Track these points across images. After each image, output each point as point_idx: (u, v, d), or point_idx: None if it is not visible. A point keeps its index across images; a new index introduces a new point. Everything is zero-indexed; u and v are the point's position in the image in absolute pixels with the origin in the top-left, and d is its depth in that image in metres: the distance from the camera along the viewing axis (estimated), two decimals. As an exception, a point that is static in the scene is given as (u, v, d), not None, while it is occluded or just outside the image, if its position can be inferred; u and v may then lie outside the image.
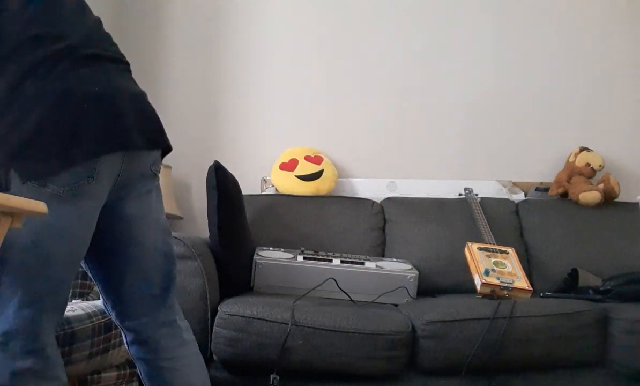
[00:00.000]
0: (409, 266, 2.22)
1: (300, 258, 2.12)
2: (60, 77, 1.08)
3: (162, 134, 1.26)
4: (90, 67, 1.13)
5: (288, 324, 1.73)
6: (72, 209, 1.08)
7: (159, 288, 1.26)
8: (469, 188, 2.69)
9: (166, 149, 1.29)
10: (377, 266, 2.13)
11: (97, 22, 1.26)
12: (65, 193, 1.06)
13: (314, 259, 2.11)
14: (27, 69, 1.06)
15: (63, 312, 1.15)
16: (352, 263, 2.13)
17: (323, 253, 2.20)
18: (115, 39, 1.29)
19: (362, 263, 2.13)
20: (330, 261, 2.11)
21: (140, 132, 1.17)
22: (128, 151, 1.15)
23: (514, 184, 2.87)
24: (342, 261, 2.12)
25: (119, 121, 1.13)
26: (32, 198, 0.97)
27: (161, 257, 1.26)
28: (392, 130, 2.92)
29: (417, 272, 2.18)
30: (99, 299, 1.73)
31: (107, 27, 1.30)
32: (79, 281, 1.71)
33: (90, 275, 1.27)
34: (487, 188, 2.79)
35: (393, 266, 2.19)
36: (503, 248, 2.27)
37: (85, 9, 1.24)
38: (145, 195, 1.23)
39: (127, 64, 1.26)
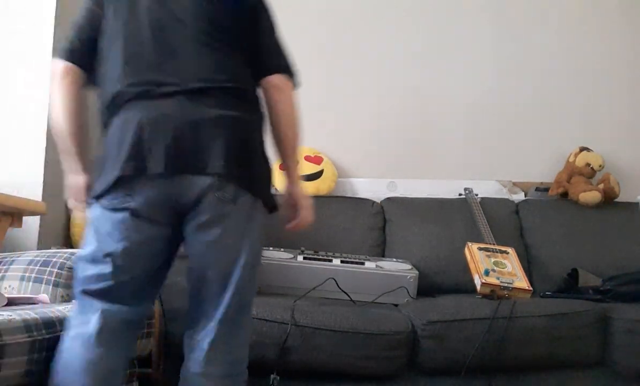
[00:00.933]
0: (409, 266, 2.22)
1: (300, 257, 2.12)
2: (126, 110, 1.25)
3: (202, 159, 1.23)
4: (157, 100, 1.25)
5: (288, 324, 1.73)
6: (114, 218, 1.24)
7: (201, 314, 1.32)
8: (469, 188, 2.69)
9: (222, 174, 1.24)
10: (377, 266, 2.13)
11: (200, 54, 1.30)
12: (109, 207, 1.25)
13: (314, 259, 2.11)
14: (115, 112, 1.27)
15: (130, 302, 1.28)
16: (352, 262, 2.12)
17: (323, 253, 2.20)
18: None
19: (362, 263, 2.12)
20: (330, 261, 2.11)
21: (171, 156, 1.22)
22: (165, 176, 1.22)
23: (514, 184, 2.87)
24: (342, 261, 2.11)
25: (145, 147, 1.22)
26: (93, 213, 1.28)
27: (219, 289, 1.29)
28: (392, 130, 2.92)
29: (417, 272, 2.17)
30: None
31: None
32: (79, 281, 1.71)
33: None
34: (487, 188, 2.80)
35: (393, 266, 2.19)
36: (503, 248, 2.27)
37: (183, 47, 1.30)
38: (207, 224, 1.25)
39: (216, 89, 1.28)
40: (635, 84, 2.93)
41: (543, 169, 2.88)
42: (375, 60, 2.95)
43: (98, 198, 1.26)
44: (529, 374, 1.87)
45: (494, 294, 2.02)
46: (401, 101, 2.94)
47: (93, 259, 1.26)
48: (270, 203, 1.38)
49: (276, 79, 1.42)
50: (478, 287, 2.07)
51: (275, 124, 1.45)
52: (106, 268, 1.24)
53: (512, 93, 2.94)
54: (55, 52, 1.49)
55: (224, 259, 1.28)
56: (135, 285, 1.29)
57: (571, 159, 2.76)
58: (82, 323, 1.24)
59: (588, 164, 2.70)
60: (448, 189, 2.77)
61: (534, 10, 2.98)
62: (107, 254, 1.24)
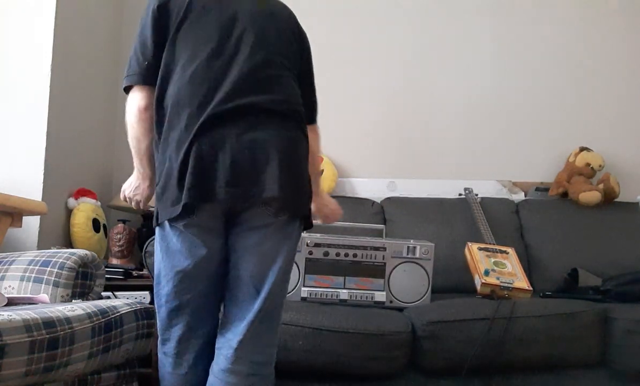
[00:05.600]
0: (424, 288, 2.02)
1: (306, 251, 1.95)
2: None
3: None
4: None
5: (288, 324, 1.73)
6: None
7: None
8: (469, 188, 2.69)
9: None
10: (390, 301, 1.98)
11: (250, 70, 1.33)
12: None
13: (321, 287, 1.95)
14: None
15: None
16: (360, 290, 1.97)
17: (333, 245, 1.97)
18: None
19: (372, 297, 1.96)
20: (338, 290, 1.95)
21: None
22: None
23: (514, 184, 2.87)
24: (350, 295, 1.96)
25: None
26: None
27: (253, 292, 1.34)
28: (392, 130, 2.92)
29: (428, 302, 2.02)
30: (99, 299, 1.73)
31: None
32: (79, 281, 1.71)
33: None
34: (487, 188, 2.80)
35: (408, 294, 2.00)
36: (503, 248, 2.27)
37: (239, 60, 1.34)
38: (249, 230, 1.33)
39: (271, 111, 1.32)
40: (635, 84, 2.93)
41: (543, 169, 2.88)
42: (375, 60, 2.95)
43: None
44: (529, 374, 1.86)
45: (494, 294, 2.02)
46: (401, 101, 2.94)
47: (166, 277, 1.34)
48: (307, 222, 1.43)
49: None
50: (478, 287, 2.07)
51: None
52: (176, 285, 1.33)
53: (512, 93, 2.94)
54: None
55: (260, 263, 1.32)
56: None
57: (571, 159, 2.76)
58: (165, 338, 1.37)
59: (588, 164, 2.70)
60: (448, 189, 2.77)
61: (533, 11, 2.98)
62: (179, 271, 1.32)
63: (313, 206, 1.59)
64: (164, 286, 1.34)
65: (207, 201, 1.27)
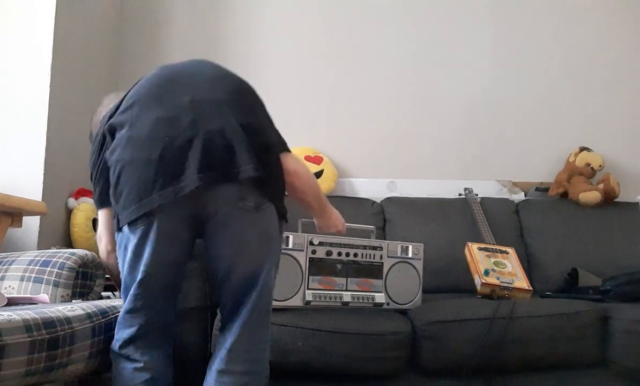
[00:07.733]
0: (417, 288, 2.03)
1: (309, 254, 1.88)
2: None
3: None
4: None
5: (287, 326, 1.73)
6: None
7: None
8: (469, 188, 2.69)
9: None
10: (387, 303, 1.96)
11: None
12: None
13: (325, 289, 1.89)
14: None
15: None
16: (362, 292, 1.93)
17: (335, 251, 1.91)
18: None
19: (373, 298, 1.93)
20: (342, 295, 1.90)
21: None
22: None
23: (514, 184, 2.87)
24: (352, 297, 1.91)
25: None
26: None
27: (244, 291, 1.33)
28: (392, 130, 2.92)
29: (420, 303, 2.01)
30: (99, 299, 1.73)
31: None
32: (79, 281, 1.71)
33: None
34: (487, 188, 2.80)
35: (403, 295, 1.99)
36: (503, 248, 2.27)
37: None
38: (234, 231, 1.30)
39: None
40: (635, 84, 2.94)
41: (543, 169, 2.88)
42: (376, 60, 2.95)
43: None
44: (529, 374, 1.86)
45: (494, 294, 2.02)
46: (401, 100, 2.94)
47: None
48: (283, 211, 1.41)
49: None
50: (478, 287, 2.07)
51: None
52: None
53: (512, 93, 2.94)
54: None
55: (250, 264, 1.32)
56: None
57: (571, 159, 2.76)
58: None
59: (588, 164, 2.70)
60: (448, 189, 2.77)
61: (533, 10, 2.98)
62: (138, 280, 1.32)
63: (324, 226, 1.68)
64: (124, 289, 1.37)
65: (177, 194, 1.24)
